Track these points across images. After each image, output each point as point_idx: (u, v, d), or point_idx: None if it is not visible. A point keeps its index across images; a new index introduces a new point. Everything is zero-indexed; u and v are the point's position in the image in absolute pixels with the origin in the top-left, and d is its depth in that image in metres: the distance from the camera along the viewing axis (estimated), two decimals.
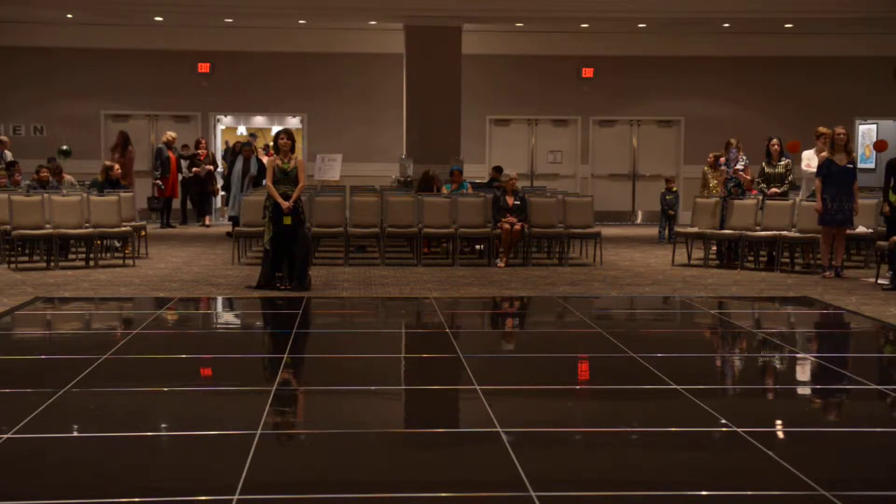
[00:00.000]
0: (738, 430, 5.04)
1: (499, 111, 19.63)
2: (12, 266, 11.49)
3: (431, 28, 16.81)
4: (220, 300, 9.56)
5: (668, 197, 16.21)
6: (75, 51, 18.74)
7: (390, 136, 18.64)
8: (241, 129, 21.15)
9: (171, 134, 17.62)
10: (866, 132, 20.53)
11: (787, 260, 12.48)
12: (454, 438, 5.12)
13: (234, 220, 15.60)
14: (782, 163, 12.40)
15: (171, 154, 17.40)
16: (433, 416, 5.60)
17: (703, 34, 18.91)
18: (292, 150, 10.06)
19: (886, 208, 11.01)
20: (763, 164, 12.62)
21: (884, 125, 20.14)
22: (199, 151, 17.69)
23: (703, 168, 14.47)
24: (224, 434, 4.99)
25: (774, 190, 12.23)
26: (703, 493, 4.21)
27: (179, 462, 4.59)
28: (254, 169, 15.20)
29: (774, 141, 12.39)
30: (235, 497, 4.04)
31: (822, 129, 12.14)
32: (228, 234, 15.46)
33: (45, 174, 14.10)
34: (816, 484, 4.23)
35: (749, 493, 4.19)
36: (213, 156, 18.26)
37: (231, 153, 16.04)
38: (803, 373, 6.82)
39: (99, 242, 12.30)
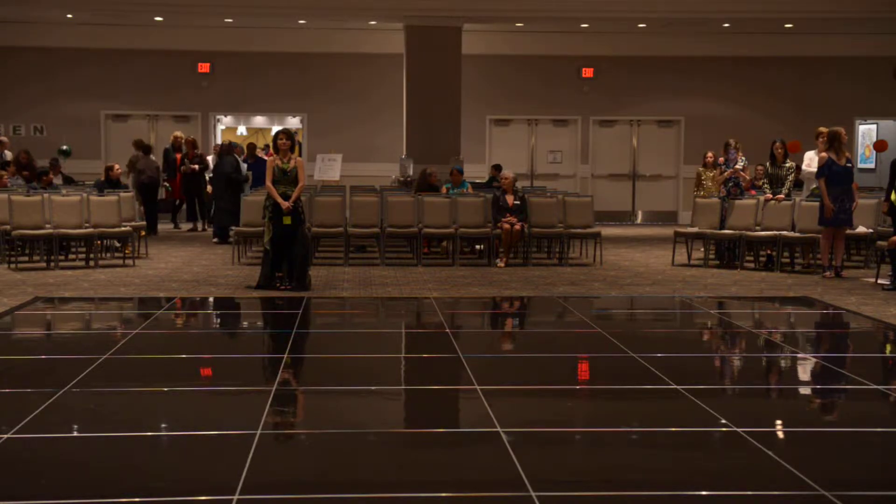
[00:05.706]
0: (738, 430, 5.04)
1: (499, 111, 19.63)
2: (12, 266, 11.49)
3: (431, 28, 16.80)
4: (220, 300, 9.55)
5: None
6: (75, 51, 18.74)
7: (390, 135, 18.63)
8: (242, 129, 21.13)
9: (177, 134, 17.22)
10: (866, 132, 20.52)
11: (788, 260, 12.48)
12: (454, 438, 5.12)
13: (218, 231, 14.79)
14: (787, 164, 12.39)
15: (177, 155, 17.03)
16: (433, 416, 5.60)
17: (703, 34, 18.92)
18: (292, 150, 10.07)
19: (885, 207, 11.02)
20: (767, 164, 12.63)
21: (884, 125, 20.14)
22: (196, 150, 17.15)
23: (698, 168, 14.45)
24: (224, 434, 4.98)
25: (780, 197, 12.21)
26: (703, 493, 4.21)
27: (179, 462, 4.59)
28: (242, 170, 14.80)
29: (777, 144, 12.38)
30: (235, 497, 4.04)
31: (822, 129, 12.11)
32: (221, 240, 14.73)
33: (50, 177, 14.12)
34: (816, 484, 4.23)
35: (749, 493, 4.19)
36: (202, 155, 16.99)
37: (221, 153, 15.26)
38: (803, 373, 6.82)
39: (99, 242, 12.29)
